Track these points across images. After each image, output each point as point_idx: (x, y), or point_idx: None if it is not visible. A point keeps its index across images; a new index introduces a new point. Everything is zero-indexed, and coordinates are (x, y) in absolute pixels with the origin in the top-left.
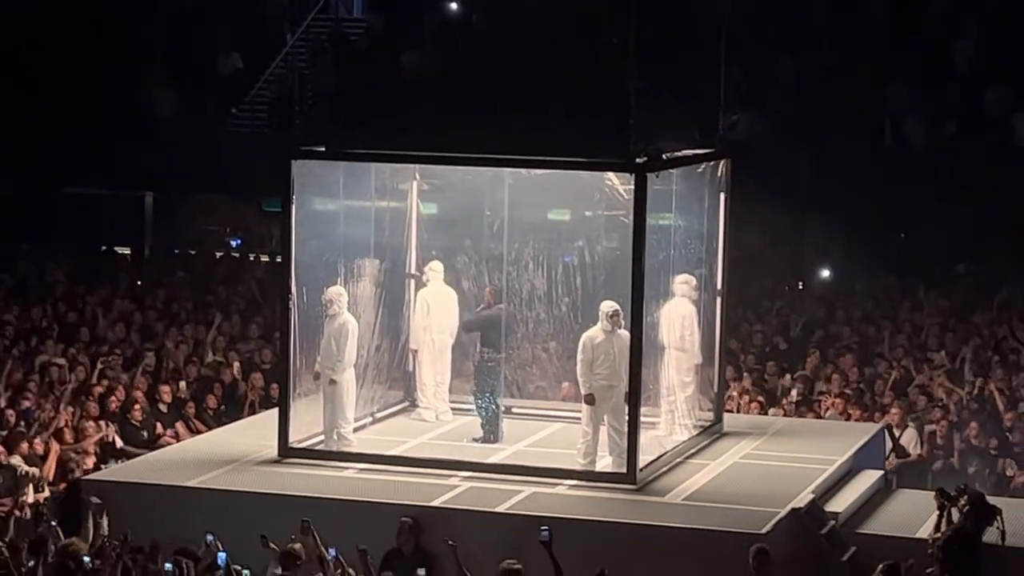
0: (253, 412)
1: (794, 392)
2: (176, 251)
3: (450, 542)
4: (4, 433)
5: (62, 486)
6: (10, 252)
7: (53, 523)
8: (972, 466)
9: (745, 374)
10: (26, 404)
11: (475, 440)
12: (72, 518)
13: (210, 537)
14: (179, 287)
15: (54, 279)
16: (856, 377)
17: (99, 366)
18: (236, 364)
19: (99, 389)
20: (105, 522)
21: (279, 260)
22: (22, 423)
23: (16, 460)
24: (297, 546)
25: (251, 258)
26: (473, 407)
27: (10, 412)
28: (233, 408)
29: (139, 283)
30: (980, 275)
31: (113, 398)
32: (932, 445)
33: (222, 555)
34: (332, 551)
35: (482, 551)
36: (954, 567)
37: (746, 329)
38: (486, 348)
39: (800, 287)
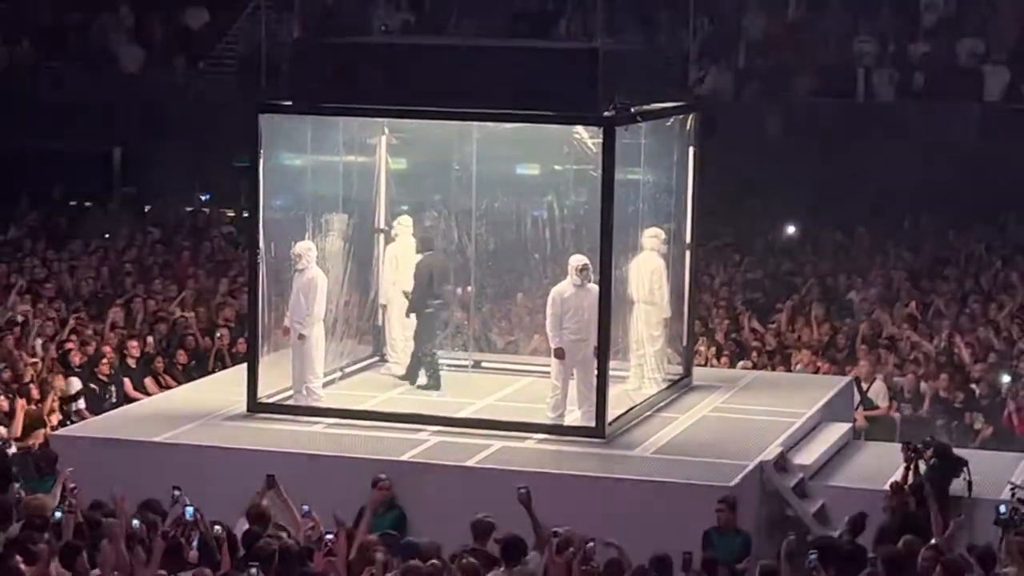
0: (224, 367)
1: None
2: (145, 206)
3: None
4: None
5: (34, 443)
6: None
7: (16, 485)
8: (939, 419)
9: (715, 327)
10: None
11: (419, 387)
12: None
13: (177, 492)
14: (148, 242)
15: (21, 234)
16: (825, 330)
17: (71, 323)
18: (192, 317)
19: (68, 345)
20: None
21: (247, 215)
22: None
23: None
24: (264, 502)
25: (219, 213)
26: (428, 357)
27: None
28: (202, 364)
29: (107, 236)
30: (948, 229)
31: (78, 353)
32: (900, 398)
33: (189, 509)
34: (305, 507)
35: (451, 504)
36: (917, 518)
37: (708, 282)
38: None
39: (769, 240)
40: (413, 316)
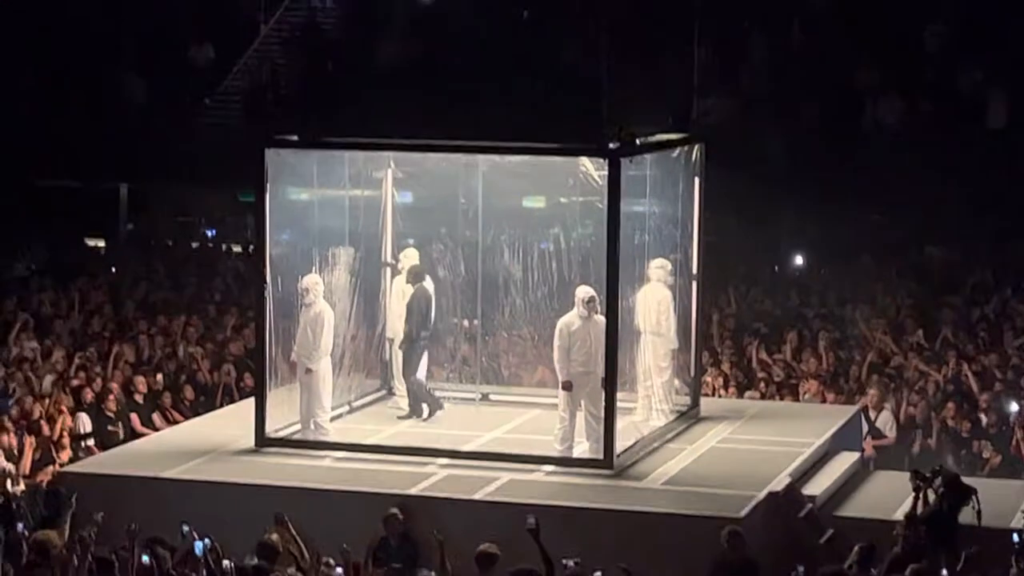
0: (231, 402)
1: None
2: (151, 242)
3: (437, 534)
4: None
5: (43, 480)
6: None
7: (20, 525)
8: (948, 447)
9: (722, 358)
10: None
11: (425, 419)
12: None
13: (186, 527)
14: (154, 278)
15: (28, 270)
16: (832, 360)
17: (77, 360)
18: (200, 352)
19: (76, 382)
20: (99, 518)
21: (254, 250)
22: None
23: None
24: (274, 537)
25: (225, 248)
26: (416, 387)
27: None
28: (209, 399)
29: (114, 269)
30: (955, 256)
31: (88, 390)
32: (909, 427)
33: (199, 544)
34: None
35: (460, 537)
36: (927, 547)
37: (720, 313)
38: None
39: (775, 270)
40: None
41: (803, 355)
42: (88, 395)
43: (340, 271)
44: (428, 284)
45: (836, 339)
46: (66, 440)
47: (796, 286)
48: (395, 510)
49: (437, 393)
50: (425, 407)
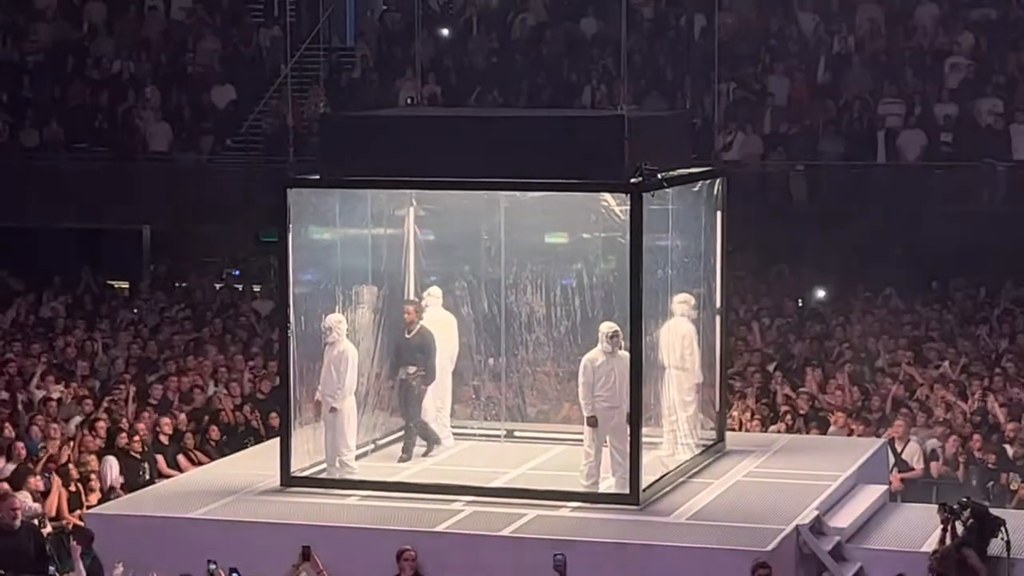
0: (257, 442)
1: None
2: (175, 284)
3: None
4: (12, 467)
5: (70, 522)
6: (7, 287)
7: (52, 568)
8: (975, 479)
9: (747, 392)
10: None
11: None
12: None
13: (213, 565)
14: (179, 320)
15: (53, 314)
16: (858, 393)
17: (104, 403)
18: (224, 393)
19: (102, 424)
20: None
21: (277, 290)
22: (29, 458)
23: (23, 496)
24: (300, 575)
25: (259, 289)
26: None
27: (19, 445)
28: (234, 439)
29: (135, 311)
30: (978, 288)
31: (120, 433)
32: (936, 459)
33: None
34: None
35: (488, 574)
36: None
37: (745, 347)
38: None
39: (799, 304)
40: (447, 390)
41: (828, 388)
42: (121, 438)
43: (364, 310)
44: (433, 321)
45: (861, 372)
46: (94, 482)
47: (820, 319)
48: (408, 547)
49: (460, 431)
50: (447, 436)
